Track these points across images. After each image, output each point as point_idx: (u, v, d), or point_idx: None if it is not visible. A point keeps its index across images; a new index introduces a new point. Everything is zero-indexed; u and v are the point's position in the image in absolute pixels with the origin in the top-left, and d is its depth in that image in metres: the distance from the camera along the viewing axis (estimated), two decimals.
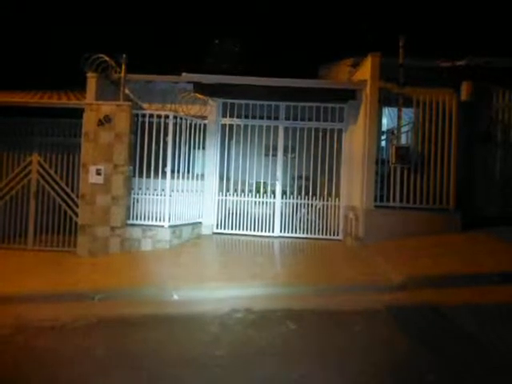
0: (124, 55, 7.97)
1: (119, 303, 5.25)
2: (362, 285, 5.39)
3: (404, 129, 8.19)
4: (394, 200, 7.77)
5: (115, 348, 4.06)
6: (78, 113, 7.58)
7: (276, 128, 8.55)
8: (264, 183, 8.55)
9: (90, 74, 7.92)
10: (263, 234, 8.38)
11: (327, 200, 8.54)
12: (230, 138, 8.60)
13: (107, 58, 7.91)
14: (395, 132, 8.09)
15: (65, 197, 7.58)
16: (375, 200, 7.66)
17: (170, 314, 4.88)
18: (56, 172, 7.70)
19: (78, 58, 8.06)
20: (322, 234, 8.39)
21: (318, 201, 8.49)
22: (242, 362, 3.74)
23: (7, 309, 5.08)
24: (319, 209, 8.49)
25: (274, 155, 8.52)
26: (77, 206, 7.43)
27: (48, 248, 7.39)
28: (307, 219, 8.41)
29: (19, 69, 13.82)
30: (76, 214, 7.41)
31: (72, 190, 7.59)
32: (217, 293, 5.34)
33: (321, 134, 8.56)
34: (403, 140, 8.16)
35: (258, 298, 5.30)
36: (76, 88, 9.34)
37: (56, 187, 7.64)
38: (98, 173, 7.18)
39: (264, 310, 4.89)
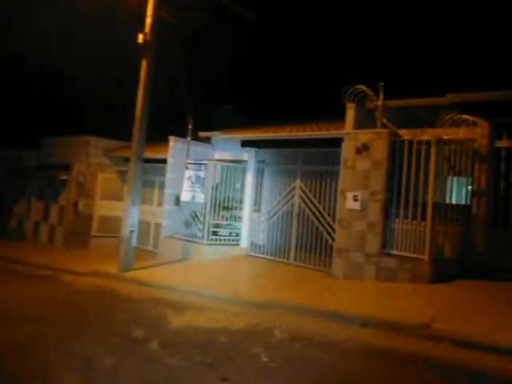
0: (381, 83, 8.04)
1: (383, 333, 5.07)
2: None
3: None
4: None
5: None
6: (334, 142, 8.11)
7: None
8: None
9: (348, 105, 8.35)
10: None
11: None
12: (509, 163, 7.23)
13: (364, 88, 8.17)
14: None
15: (322, 220, 8.16)
16: None
17: (442, 359, 4.31)
18: (315, 196, 8.42)
19: (327, 89, 8.69)
20: None
21: None
22: None
23: (281, 315, 5.72)
24: None
25: None
26: (332, 229, 7.86)
27: (306, 265, 8.10)
28: None
29: (274, 103, 16.26)
30: (331, 237, 7.84)
31: (328, 214, 8.09)
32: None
33: None
34: None
35: None
36: (323, 118, 10.16)
37: (314, 210, 8.34)
38: (355, 199, 7.37)
39: None
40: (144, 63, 8.63)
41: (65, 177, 12.88)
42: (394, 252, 7.01)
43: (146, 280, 7.50)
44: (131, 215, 8.37)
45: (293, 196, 8.82)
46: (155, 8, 8.67)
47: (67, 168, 12.99)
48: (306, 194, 8.58)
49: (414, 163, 7.16)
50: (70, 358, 4.09)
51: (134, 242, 8.40)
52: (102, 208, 12.07)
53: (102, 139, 14.07)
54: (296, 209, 8.67)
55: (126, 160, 12.30)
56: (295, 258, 8.39)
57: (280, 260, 8.57)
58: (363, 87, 8.15)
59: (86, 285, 7.54)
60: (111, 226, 12.02)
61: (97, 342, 4.54)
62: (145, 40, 8.53)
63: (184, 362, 4.10)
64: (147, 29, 8.63)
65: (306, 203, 8.54)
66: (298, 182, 8.77)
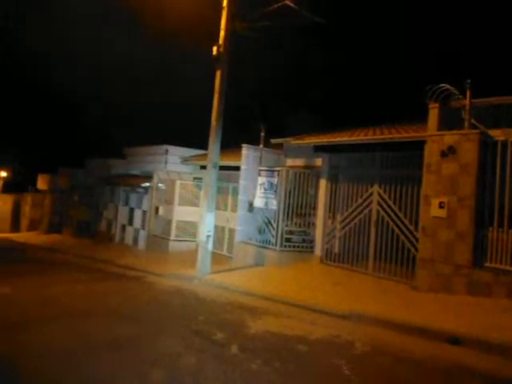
0: (468, 80, 7.42)
1: (476, 353, 4.63)
2: None
3: None
4: None
5: None
6: (414, 145, 7.65)
7: None
8: None
9: (431, 105, 7.82)
10: None
11: None
12: None
13: (449, 86, 7.61)
14: None
15: (403, 228, 7.70)
16: None
17: None
18: (394, 203, 7.98)
19: (405, 91, 8.19)
20: None
21: None
22: None
23: (361, 327, 5.48)
24: None
25: None
26: (415, 237, 7.38)
27: (386, 276, 7.69)
28: None
29: (345, 107, 15.87)
30: (414, 246, 7.36)
31: (410, 222, 7.62)
32: None
33: None
34: None
35: None
36: (399, 120, 9.65)
37: (394, 218, 7.90)
38: (441, 206, 6.85)
39: None
40: (218, 74, 8.91)
41: (146, 184, 13.84)
42: (488, 264, 6.36)
43: (223, 284, 7.70)
44: (207, 220, 8.67)
45: (370, 202, 8.44)
46: (228, 21, 8.95)
47: (148, 176, 13.94)
48: (384, 200, 8.16)
49: (510, 166, 6.48)
50: (156, 355, 4.30)
51: (210, 246, 8.69)
52: (180, 213, 12.70)
53: (179, 148, 14.92)
54: (374, 216, 8.28)
55: (202, 167, 12.89)
56: (374, 268, 8.00)
57: (357, 269, 8.24)
58: (447, 85, 7.60)
59: (168, 286, 7.95)
60: (188, 230, 12.61)
61: (181, 341, 4.74)
62: (218, 52, 8.81)
63: (264, 368, 4.10)
64: (221, 41, 8.92)
65: (384, 210, 8.12)
66: (375, 188, 8.38)
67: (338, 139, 8.88)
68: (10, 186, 30.82)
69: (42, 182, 23.12)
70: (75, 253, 13.00)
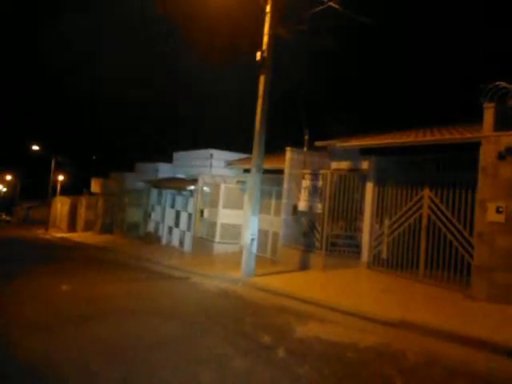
0: None
1: None
2: None
3: None
4: None
5: None
6: (468, 146, 7.28)
7: None
8: None
9: (486, 105, 7.41)
10: None
11: None
12: None
13: (506, 85, 7.18)
14: None
15: (456, 233, 7.33)
16: None
17: None
18: (447, 207, 7.63)
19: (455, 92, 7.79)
20: None
21: None
22: None
23: (413, 336, 5.28)
24: None
25: None
26: (469, 244, 7.00)
27: (437, 283, 7.36)
28: None
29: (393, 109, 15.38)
30: (468, 253, 6.98)
31: (464, 227, 7.24)
32: None
33: None
34: None
35: None
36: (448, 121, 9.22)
37: (447, 223, 7.54)
38: (499, 211, 6.46)
39: None
40: (262, 79, 8.96)
41: (192, 187, 14.22)
42: None
43: (268, 287, 7.73)
44: (252, 224, 8.74)
45: (420, 206, 8.12)
46: (271, 26, 8.99)
47: (194, 179, 14.34)
48: (436, 205, 7.81)
49: None
50: (204, 355, 4.39)
51: (254, 249, 8.76)
52: (225, 216, 12.92)
53: (223, 152, 15.22)
54: (425, 221, 7.94)
55: (246, 171, 13.03)
56: (424, 275, 7.67)
57: (406, 276, 7.94)
58: (504, 83, 7.18)
59: (213, 287, 8.12)
60: (232, 233, 12.80)
61: (228, 342, 4.81)
62: (262, 57, 8.86)
63: (312, 374, 4.07)
64: (264, 46, 8.97)
65: (436, 214, 7.77)
66: (426, 192, 8.05)
67: (388, 141, 8.63)
68: (66, 189, 33.09)
69: (95, 186, 24.53)
70: (126, 253, 13.64)
